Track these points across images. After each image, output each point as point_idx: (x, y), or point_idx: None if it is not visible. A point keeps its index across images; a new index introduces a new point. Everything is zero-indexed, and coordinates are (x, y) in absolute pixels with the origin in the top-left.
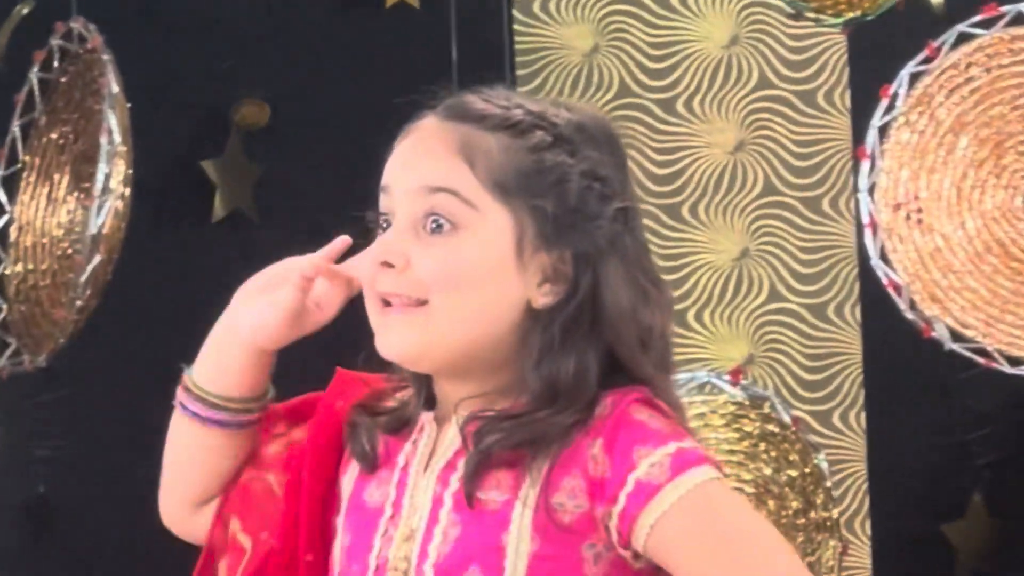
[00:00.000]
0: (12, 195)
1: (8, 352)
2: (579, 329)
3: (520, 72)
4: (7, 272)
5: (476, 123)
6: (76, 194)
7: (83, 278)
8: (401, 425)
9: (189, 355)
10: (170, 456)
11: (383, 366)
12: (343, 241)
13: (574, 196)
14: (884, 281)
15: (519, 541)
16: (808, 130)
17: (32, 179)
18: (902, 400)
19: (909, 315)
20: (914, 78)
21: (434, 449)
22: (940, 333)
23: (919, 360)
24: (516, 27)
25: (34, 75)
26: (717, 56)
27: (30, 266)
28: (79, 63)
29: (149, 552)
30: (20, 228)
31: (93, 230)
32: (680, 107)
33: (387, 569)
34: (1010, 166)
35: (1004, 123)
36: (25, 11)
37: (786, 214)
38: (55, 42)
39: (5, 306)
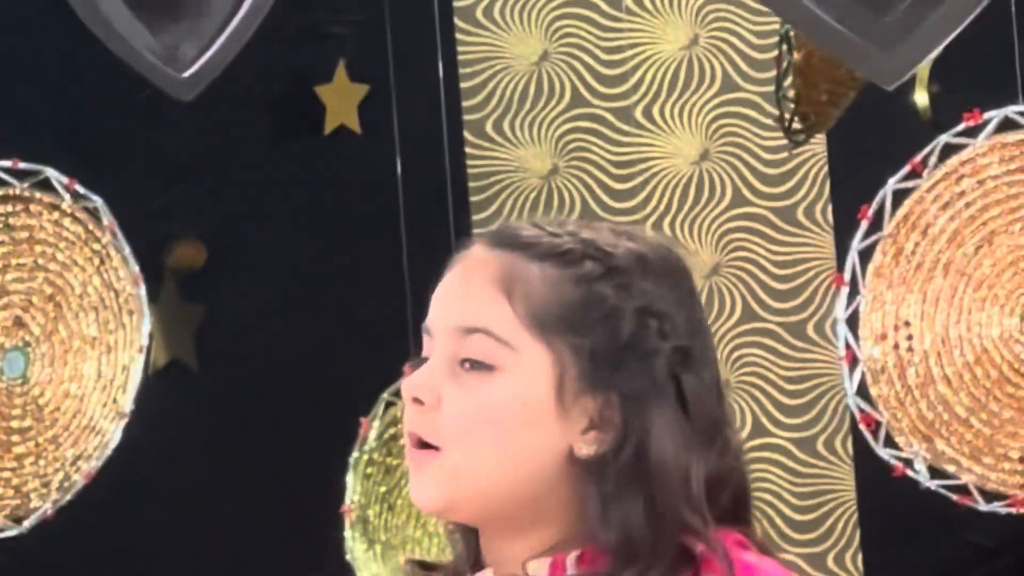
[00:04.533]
0: None
1: None
2: (638, 477)
3: (474, 198)
4: None
5: (522, 251)
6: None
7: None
8: None
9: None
10: None
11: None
12: None
13: (625, 333)
14: (858, 417)
15: None
16: (789, 249)
17: None
18: (900, 538)
19: (882, 453)
20: (901, 194)
21: None
22: (919, 471)
23: (917, 495)
24: (467, 150)
25: None
26: (687, 172)
27: None
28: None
29: None
30: None
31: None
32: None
33: None
34: (1006, 285)
35: (1007, 236)
36: None
37: (767, 341)
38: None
39: None
